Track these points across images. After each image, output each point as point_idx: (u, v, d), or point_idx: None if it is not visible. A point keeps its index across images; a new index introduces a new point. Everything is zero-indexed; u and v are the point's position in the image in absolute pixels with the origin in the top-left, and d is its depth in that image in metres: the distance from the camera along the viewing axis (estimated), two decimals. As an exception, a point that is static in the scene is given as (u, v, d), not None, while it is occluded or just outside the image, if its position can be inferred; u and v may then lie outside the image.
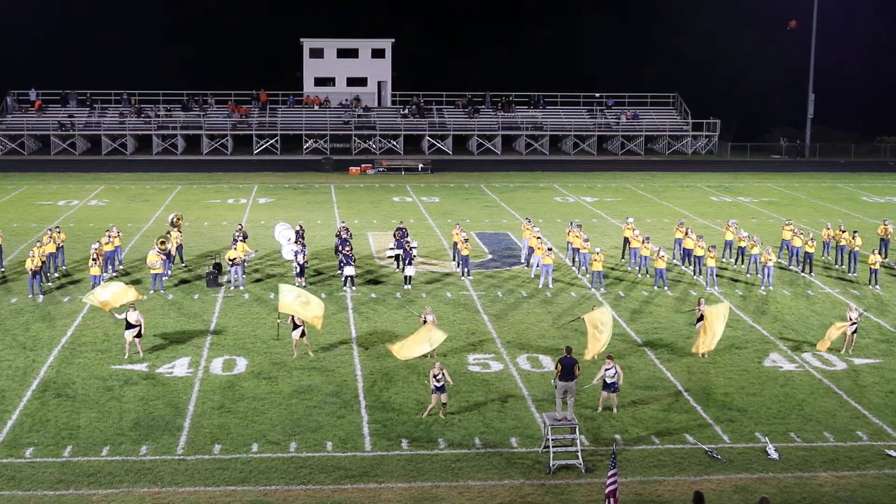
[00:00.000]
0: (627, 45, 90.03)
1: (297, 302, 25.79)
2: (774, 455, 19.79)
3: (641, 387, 23.60)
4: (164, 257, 32.67)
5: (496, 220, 46.45)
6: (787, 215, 45.94)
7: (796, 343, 27.22)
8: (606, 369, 21.71)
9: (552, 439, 19.21)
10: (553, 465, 18.97)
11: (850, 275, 35.08)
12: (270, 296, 30.88)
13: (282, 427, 20.94)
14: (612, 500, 16.52)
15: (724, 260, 36.61)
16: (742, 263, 35.90)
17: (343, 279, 32.80)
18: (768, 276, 32.89)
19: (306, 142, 74.30)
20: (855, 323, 26.31)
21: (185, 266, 35.54)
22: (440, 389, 21.26)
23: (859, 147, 77.74)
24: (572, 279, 34.21)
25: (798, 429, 21.25)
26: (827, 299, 32.06)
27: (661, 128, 78.75)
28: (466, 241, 34.74)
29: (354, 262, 33.43)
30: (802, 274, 35.08)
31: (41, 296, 31.01)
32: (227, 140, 73.83)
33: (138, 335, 25.30)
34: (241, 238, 34.31)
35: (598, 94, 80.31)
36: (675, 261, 36.36)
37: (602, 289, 32.56)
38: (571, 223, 38.10)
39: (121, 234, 36.05)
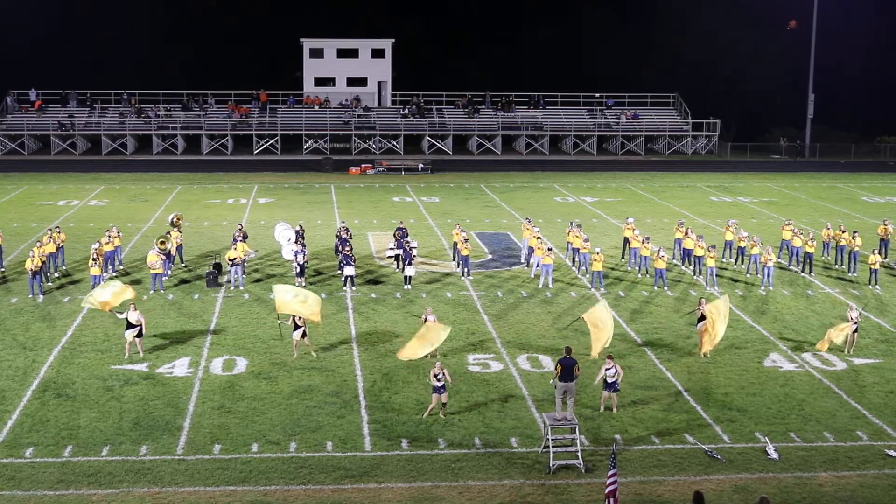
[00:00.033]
0: (627, 45, 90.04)
1: (296, 301, 25.85)
2: (774, 455, 19.79)
3: (641, 387, 23.61)
4: (163, 257, 32.68)
5: (496, 220, 46.45)
6: (787, 215, 45.94)
7: (796, 343, 27.22)
8: (607, 369, 21.72)
9: (552, 439, 19.21)
10: (553, 465, 18.97)
11: (849, 275, 35.09)
12: (270, 296, 30.77)
13: (282, 427, 20.94)
14: (612, 500, 16.52)
15: (723, 260, 36.62)
16: (742, 263, 35.91)
17: (343, 279, 32.81)
18: (768, 276, 32.90)
19: (306, 142, 74.30)
20: (856, 323, 26.33)
21: (185, 266, 35.54)
22: (441, 389, 21.27)
23: (859, 147, 77.75)
24: (572, 279, 34.21)
25: (798, 429, 21.25)
26: (827, 299, 32.06)
27: (661, 128, 78.76)
28: (466, 241, 34.74)
29: (354, 262, 33.43)
30: (802, 274, 35.08)
31: (41, 296, 31.02)
32: (227, 140, 73.84)
33: (139, 335, 25.31)
34: (241, 238, 34.31)
35: (598, 94, 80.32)
36: (675, 261, 36.37)
37: (602, 289, 32.57)
38: (571, 223, 38.10)
39: (121, 234, 36.05)
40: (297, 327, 25.35)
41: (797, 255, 35.57)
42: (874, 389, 23.68)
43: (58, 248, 34.43)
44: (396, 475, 18.80)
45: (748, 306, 30.92)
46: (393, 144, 74.71)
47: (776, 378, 24.39)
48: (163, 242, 33.31)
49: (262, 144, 73.88)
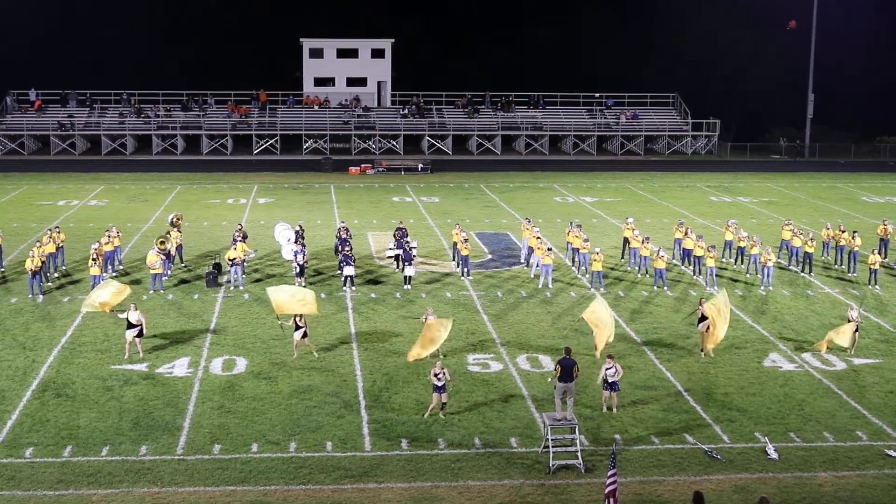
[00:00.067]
0: (627, 45, 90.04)
1: (294, 300, 25.94)
2: (774, 455, 19.79)
3: (641, 387, 23.61)
4: (163, 257, 32.67)
5: (496, 220, 46.45)
6: (787, 215, 45.94)
7: (796, 343, 27.22)
8: (607, 368, 21.72)
9: (552, 439, 19.21)
10: (553, 465, 18.97)
11: (849, 275, 35.09)
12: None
13: (282, 427, 20.94)
14: (611, 500, 16.52)
15: (723, 260, 36.62)
16: (742, 263, 35.91)
17: (343, 279, 32.80)
18: (768, 276, 32.90)
19: (306, 142, 74.30)
20: (857, 322, 26.34)
21: (185, 266, 35.54)
22: (441, 389, 21.26)
23: (859, 147, 77.75)
24: (572, 279, 34.21)
25: (798, 429, 21.25)
26: (826, 299, 32.06)
27: (661, 128, 78.76)
28: (466, 241, 34.74)
29: (354, 262, 33.43)
30: (802, 274, 35.08)
31: (41, 296, 31.01)
32: (226, 140, 73.83)
33: (139, 335, 25.31)
34: (240, 238, 34.31)
35: (597, 94, 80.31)
36: (674, 261, 36.37)
37: (602, 289, 32.56)
38: (571, 223, 38.11)
39: (120, 234, 36.05)
40: (297, 328, 25.34)
41: (797, 255, 35.57)
42: (874, 389, 23.68)
43: (57, 248, 34.42)
44: (396, 475, 18.80)
45: (748, 306, 30.92)
46: (393, 144, 74.71)
47: (776, 378, 24.39)
48: (162, 242, 33.31)
49: (262, 144, 73.88)
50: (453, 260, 36.51)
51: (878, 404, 22.70)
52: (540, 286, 32.81)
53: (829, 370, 25.00)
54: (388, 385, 23.51)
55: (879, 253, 35.50)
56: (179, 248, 35.78)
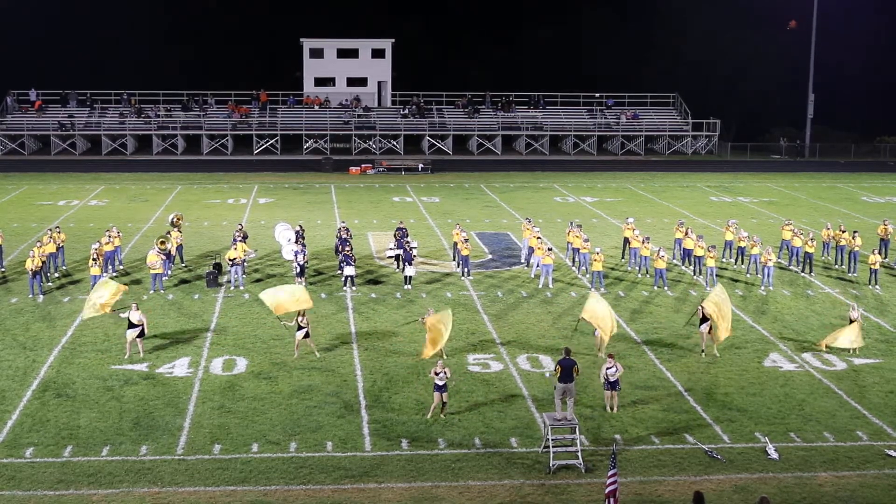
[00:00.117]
0: (627, 45, 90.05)
1: (291, 300, 25.98)
2: (774, 455, 19.79)
3: (641, 387, 23.61)
4: (163, 257, 32.68)
5: (496, 220, 46.45)
6: (787, 215, 45.94)
7: (796, 343, 27.22)
8: (608, 368, 21.73)
9: (552, 439, 19.21)
10: (553, 465, 18.97)
11: (849, 275, 35.09)
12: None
13: (282, 427, 20.94)
14: (612, 500, 16.52)
15: (723, 260, 36.62)
16: (742, 263, 35.91)
17: (343, 279, 32.81)
18: (768, 276, 32.90)
19: (306, 142, 74.30)
20: (860, 322, 26.36)
21: (185, 266, 35.55)
22: (442, 388, 21.26)
23: (859, 147, 77.75)
24: (572, 279, 34.21)
25: (798, 429, 21.25)
26: (827, 299, 32.06)
27: (661, 128, 78.76)
28: (466, 241, 34.74)
29: (354, 262, 33.43)
30: (802, 274, 35.08)
31: (41, 296, 31.02)
32: (227, 140, 73.84)
33: (140, 335, 25.31)
34: (240, 238, 34.31)
35: (598, 94, 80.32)
36: (675, 261, 36.37)
37: (602, 289, 32.55)
38: (571, 223, 38.10)
39: (121, 234, 36.05)
40: (299, 328, 25.33)
41: (797, 255, 35.57)
42: (874, 389, 23.68)
43: (58, 248, 34.43)
44: (396, 475, 18.80)
45: (748, 306, 30.92)
46: (393, 144, 74.71)
47: (776, 378, 24.39)
48: (163, 242, 33.31)
49: (262, 144, 73.88)
50: (454, 260, 36.51)
51: (879, 404, 22.71)
52: (540, 286, 32.81)
53: (830, 370, 25.00)
54: (389, 385, 23.51)
55: (879, 253, 35.50)
56: (180, 248, 35.79)
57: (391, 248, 36.03)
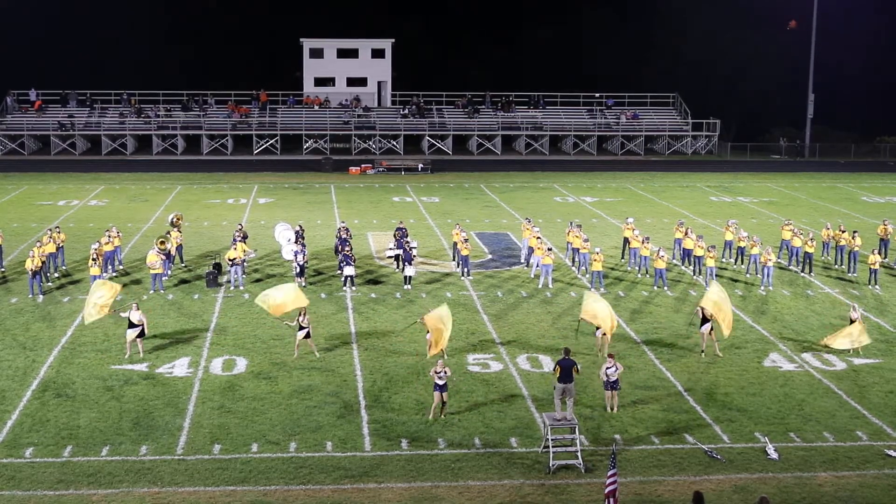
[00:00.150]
0: (627, 45, 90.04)
1: (288, 299, 26.00)
2: (774, 455, 19.80)
3: (641, 387, 23.61)
4: (163, 257, 32.68)
5: (496, 220, 46.45)
6: (787, 215, 45.94)
7: (796, 343, 27.22)
8: (608, 368, 21.73)
9: (552, 439, 19.21)
10: (553, 465, 18.97)
11: (849, 275, 35.09)
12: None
13: (282, 427, 20.95)
14: (611, 500, 16.53)
15: (723, 260, 36.62)
16: (742, 263, 35.91)
17: (343, 279, 32.81)
18: (768, 276, 32.90)
19: (306, 142, 74.30)
20: (860, 322, 26.38)
21: (185, 266, 35.55)
22: (442, 387, 21.26)
23: (859, 147, 77.75)
24: (572, 279, 34.21)
25: (798, 429, 21.26)
26: (826, 299, 32.06)
27: (661, 128, 78.76)
28: (466, 241, 34.74)
29: (354, 262, 33.43)
30: (802, 274, 35.08)
31: (41, 296, 31.02)
32: (227, 140, 73.84)
33: (140, 335, 25.31)
34: (240, 238, 34.32)
35: (598, 94, 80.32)
36: (674, 261, 36.37)
37: (602, 289, 32.55)
38: (571, 223, 38.11)
39: (121, 234, 36.06)
40: (301, 328, 25.33)
41: (797, 255, 35.58)
42: (874, 389, 23.68)
43: (58, 248, 34.43)
44: (396, 475, 18.80)
45: (748, 306, 30.92)
46: (393, 144, 74.71)
47: (776, 378, 24.39)
48: (163, 242, 33.32)
49: (262, 144, 73.88)
50: (453, 260, 36.51)
51: (878, 404, 22.71)
52: (540, 286, 32.82)
53: (829, 370, 25.01)
54: (388, 385, 23.51)
55: (879, 253, 35.51)
56: (179, 248, 35.79)
57: (391, 248, 36.03)
